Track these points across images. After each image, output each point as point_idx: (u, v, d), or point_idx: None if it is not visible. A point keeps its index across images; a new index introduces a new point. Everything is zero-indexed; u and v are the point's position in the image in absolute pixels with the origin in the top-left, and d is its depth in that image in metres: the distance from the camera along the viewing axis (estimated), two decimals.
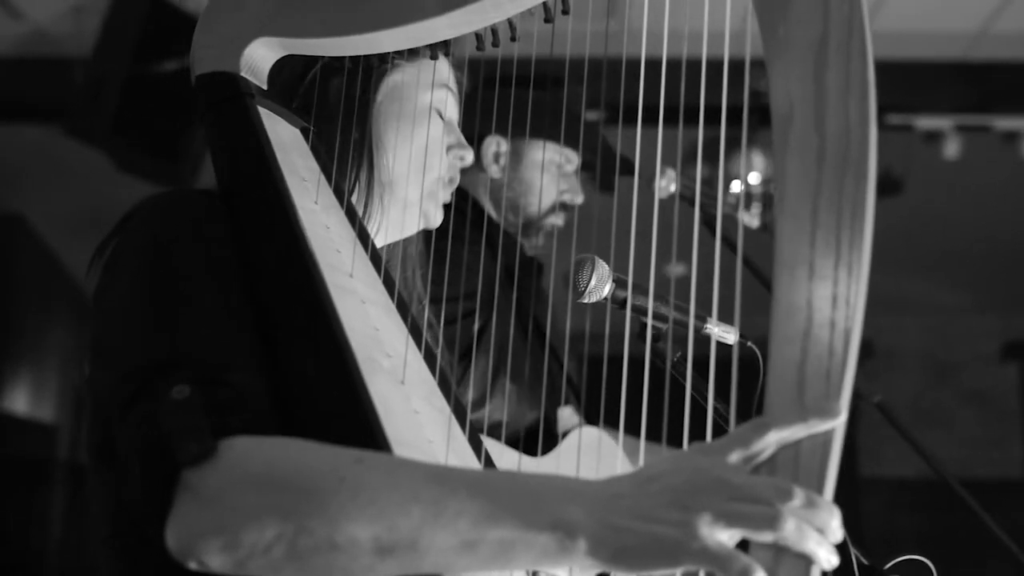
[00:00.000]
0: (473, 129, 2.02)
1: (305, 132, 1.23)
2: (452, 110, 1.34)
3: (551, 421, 2.19)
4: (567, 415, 2.24)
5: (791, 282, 0.90)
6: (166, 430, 0.86)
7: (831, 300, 0.88)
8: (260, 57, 1.18)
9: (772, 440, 0.86)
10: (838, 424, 0.85)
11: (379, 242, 1.29)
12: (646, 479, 0.85)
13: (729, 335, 1.36)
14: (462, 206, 2.11)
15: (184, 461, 0.84)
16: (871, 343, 7.01)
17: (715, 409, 1.33)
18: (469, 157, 1.33)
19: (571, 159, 2.25)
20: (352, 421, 0.94)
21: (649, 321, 1.30)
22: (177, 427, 0.86)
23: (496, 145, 2.19)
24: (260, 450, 0.87)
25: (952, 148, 4.65)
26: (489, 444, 1.97)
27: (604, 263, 1.32)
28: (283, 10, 1.16)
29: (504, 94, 1.92)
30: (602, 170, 2.31)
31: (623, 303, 1.34)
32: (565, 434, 2.13)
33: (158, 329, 0.95)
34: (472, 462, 1.12)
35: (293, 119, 1.22)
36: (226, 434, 0.86)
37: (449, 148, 1.32)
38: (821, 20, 0.93)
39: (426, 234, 1.87)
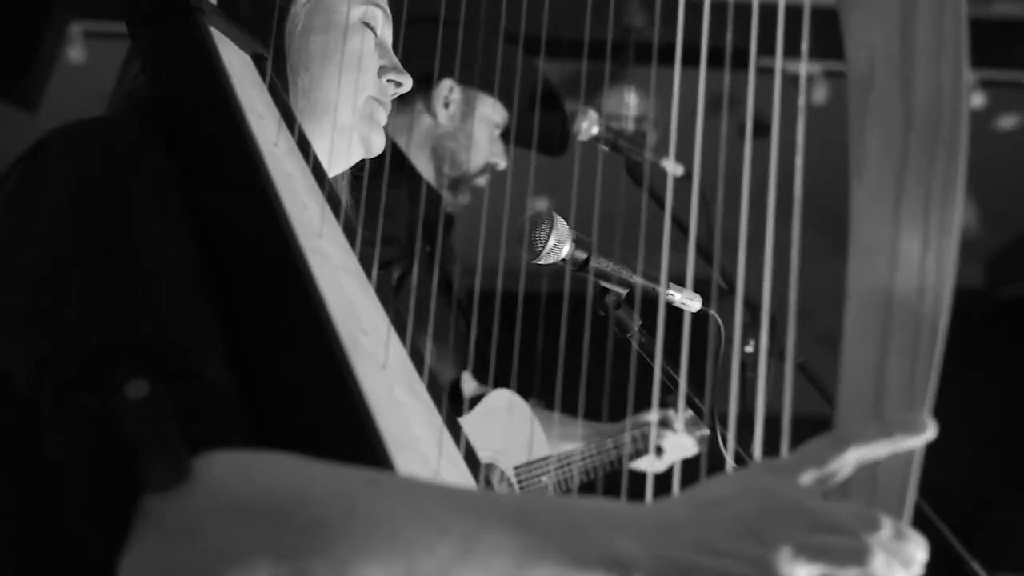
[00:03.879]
0: (429, 67, 1.86)
1: (257, 59, 1.03)
2: (385, 31, 1.16)
3: (457, 384, 2.07)
4: (466, 378, 2.12)
5: (870, 270, 0.77)
6: (126, 442, 0.67)
7: (917, 293, 0.76)
8: None
9: (851, 459, 0.73)
10: (925, 440, 0.74)
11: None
12: (707, 503, 0.71)
13: (693, 302, 1.27)
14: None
15: (151, 485, 0.66)
16: (732, 286, 7.11)
17: (670, 377, 1.24)
18: (407, 83, 1.16)
19: (503, 120, 2.14)
20: (341, 419, 0.77)
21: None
22: (140, 439, 0.67)
23: (449, 90, 2.03)
24: (247, 469, 0.69)
25: (820, 94, 4.66)
26: None
27: (563, 220, 1.20)
28: None
29: (458, 37, 1.83)
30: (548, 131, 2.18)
31: (582, 266, 1.22)
32: (475, 400, 2.01)
33: (96, 296, 0.75)
34: (456, 457, 0.96)
35: (244, 42, 1.02)
36: (200, 447, 0.68)
37: (382, 70, 1.14)
38: None
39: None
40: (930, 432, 0.74)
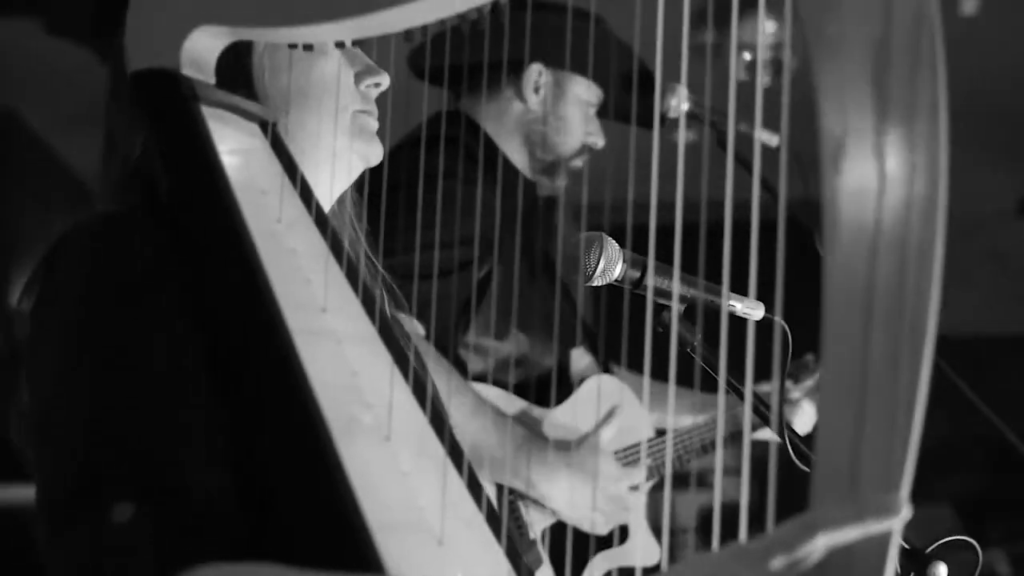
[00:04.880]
0: (516, 53, 1.85)
1: (264, 125, 1.06)
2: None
3: (565, 367, 2.07)
4: (578, 356, 2.12)
5: (838, 349, 0.75)
6: (111, 568, 0.73)
7: (891, 364, 0.73)
8: (204, 47, 0.99)
9: (821, 544, 0.72)
10: (900, 522, 0.72)
11: (325, 203, 1.13)
12: None
13: (755, 311, 1.25)
14: (466, 140, 1.94)
15: None
16: None
17: (736, 388, 1.23)
18: (385, 81, 1.14)
19: (597, 99, 2.08)
20: (325, 512, 0.81)
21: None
22: (122, 565, 0.73)
23: (538, 75, 2.00)
24: None
25: (969, 4, 4.39)
26: (499, 397, 1.86)
27: (614, 242, 1.20)
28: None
29: (547, 19, 1.79)
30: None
31: (637, 284, 1.22)
32: (581, 380, 2.01)
33: (93, 416, 0.82)
34: (471, 513, 0.99)
35: (251, 112, 1.04)
36: (180, 565, 0.73)
37: (358, 77, 1.12)
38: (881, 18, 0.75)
39: (411, 177, 1.70)
40: (905, 513, 0.72)
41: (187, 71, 0.98)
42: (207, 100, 0.99)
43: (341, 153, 1.10)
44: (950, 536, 1.35)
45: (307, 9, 0.94)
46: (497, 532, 0.99)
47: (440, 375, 1.68)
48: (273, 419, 0.84)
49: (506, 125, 2.02)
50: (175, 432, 0.81)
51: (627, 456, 1.98)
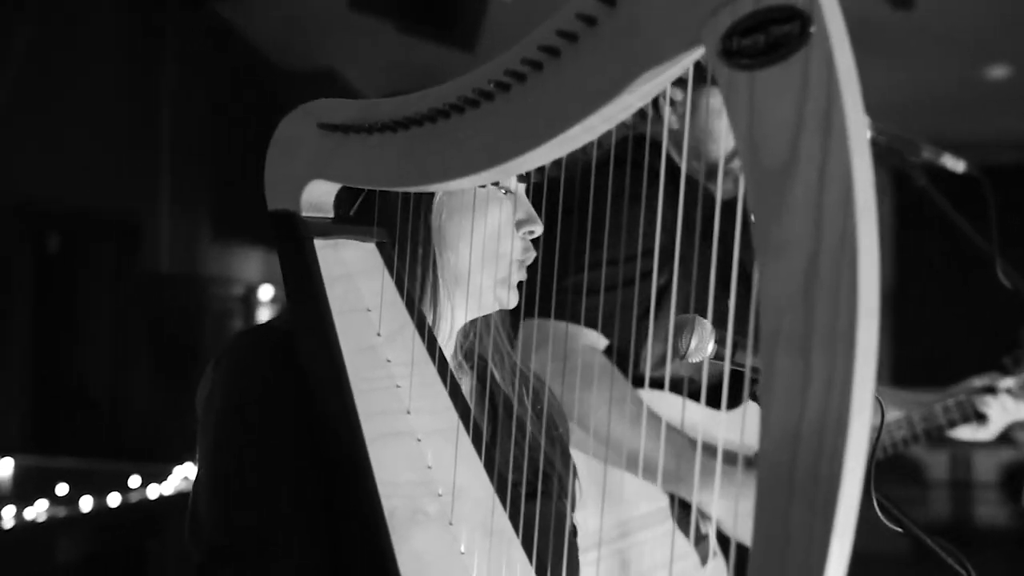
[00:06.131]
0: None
1: (381, 245, 1.27)
2: (519, 183, 1.29)
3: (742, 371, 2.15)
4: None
5: (765, 519, 0.86)
6: None
7: (807, 532, 0.84)
8: (322, 191, 1.22)
9: None
10: None
11: (459, 322, 1.32)
12: None
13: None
14: (641, 159, 2.06)
15: None
16: None
17: None
18: (539, 230, 1.29)
19: None
20: None
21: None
22: None
23: (668, 98, 2.10)
24: None
25: None
26: (669, 400, 2.00)
27: (705, 322, 1.32)
28: (333, 159, 1.16)
29: None
30: None
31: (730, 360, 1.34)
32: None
33: (218, 507, 1.11)
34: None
35: (367, 235, 1.26)
36: None
37: (519, 224, 1.28)
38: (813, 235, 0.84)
39: (600, 193, 1.86)
40: None
41: (307, 212, 1.22)
42: (321, 235, 1.22)
43: (480, 293, 1.27)
44: None
45: (407, 173, 1.08)
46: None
47: (595, 384, 1.85)
48: (342, 520, 1.08)
49: (668, 148, 2.12)
50: (274, 523, 1.08)
51: None
